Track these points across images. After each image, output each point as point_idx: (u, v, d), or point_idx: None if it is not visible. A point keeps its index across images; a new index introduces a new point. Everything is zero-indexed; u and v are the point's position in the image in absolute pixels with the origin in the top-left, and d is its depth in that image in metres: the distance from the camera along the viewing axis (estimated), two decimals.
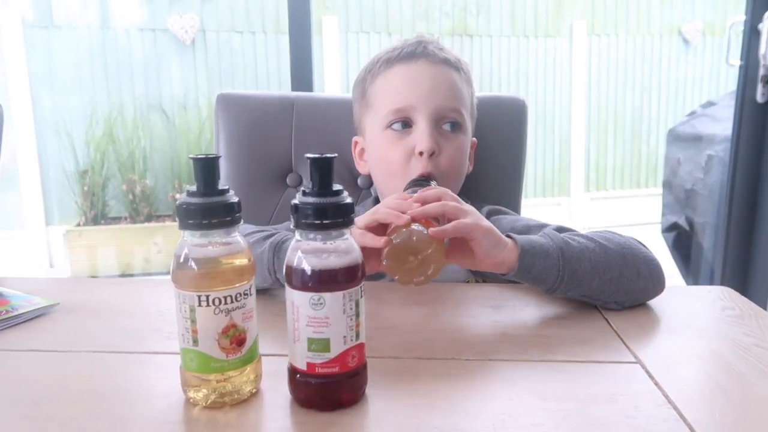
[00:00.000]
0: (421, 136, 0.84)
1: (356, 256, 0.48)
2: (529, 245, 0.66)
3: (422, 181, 0.81)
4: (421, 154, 0.84)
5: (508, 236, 0.67)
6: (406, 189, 0.78)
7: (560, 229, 0.76)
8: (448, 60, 0.89)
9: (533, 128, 4.35)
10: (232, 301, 0.47)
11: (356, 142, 0.96)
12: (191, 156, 0.47)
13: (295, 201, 0.47)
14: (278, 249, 0.69)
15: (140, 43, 3.63)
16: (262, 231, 0.75)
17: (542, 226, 0.81)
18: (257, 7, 3.76)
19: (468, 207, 0.66)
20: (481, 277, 0.86)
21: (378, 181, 0.93)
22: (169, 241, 3.41)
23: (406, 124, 0.87)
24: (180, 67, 3.68)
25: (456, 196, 0.68)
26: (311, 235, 0.47)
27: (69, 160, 3.50)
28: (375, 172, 0.93)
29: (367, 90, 0.92)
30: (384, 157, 0.89)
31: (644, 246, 0.73)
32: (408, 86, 0.87)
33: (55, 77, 3.53)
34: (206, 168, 0.47)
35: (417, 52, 0.88)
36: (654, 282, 0.70)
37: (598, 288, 0.67)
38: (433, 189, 0.69)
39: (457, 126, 0.88)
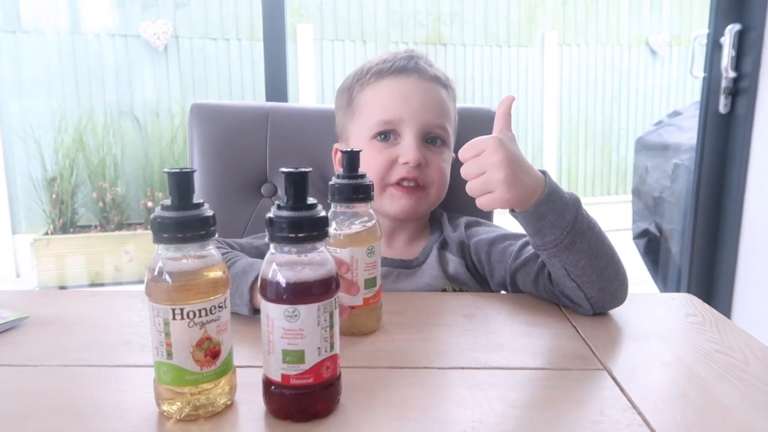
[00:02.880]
0: (407, 148, 0.86)
1: (330, 268, 0.49)
2: (553, 192, 0.68)
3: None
4: (406, 164, 0.86)
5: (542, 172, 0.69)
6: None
7: None
8: (438, 78, 0.91)
9: None
10: (206, 314, 0.48)
11: (337, 150, 0.97)
12: (166, 170, 0.47)
13: (270, 214, 0.48)
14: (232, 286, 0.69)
15: (111, 48, 3.58)
16: (223, 253, 0.75)
17: (518, 236, 0.83)
18: (231, 14, 3.74)
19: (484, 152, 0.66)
20: (458, 285, 0.87)
21: None
22: (141, 249, 3.36)
23: (392, 136, 0.88)
24: (152, 74, 3.64)
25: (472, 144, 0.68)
26: (286, 248, 0.48)
27: (37, 167, 3.43)
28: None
29: (354, 98, 0.93)
30: (366, 165, 0.90)
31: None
32: (398, 100, 0.88)
33: (23, 82, 3.46)
34: (181, 182, 0.47)
35: (409, 67, 0.89)
36: (623, 291, 0.73)
37: (588, 260, 0.69)
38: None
39: (442, 141, 0.90)
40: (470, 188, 0.67)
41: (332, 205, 0.66)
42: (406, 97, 0.88)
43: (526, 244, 0.80)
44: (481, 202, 0.67)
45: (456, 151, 0.96)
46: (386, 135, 0.88)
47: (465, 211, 0.99)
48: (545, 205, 0.67)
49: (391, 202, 0.88)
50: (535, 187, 0.67)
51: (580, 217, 0.69)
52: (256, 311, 0.67)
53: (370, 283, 0.66)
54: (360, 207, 0.66)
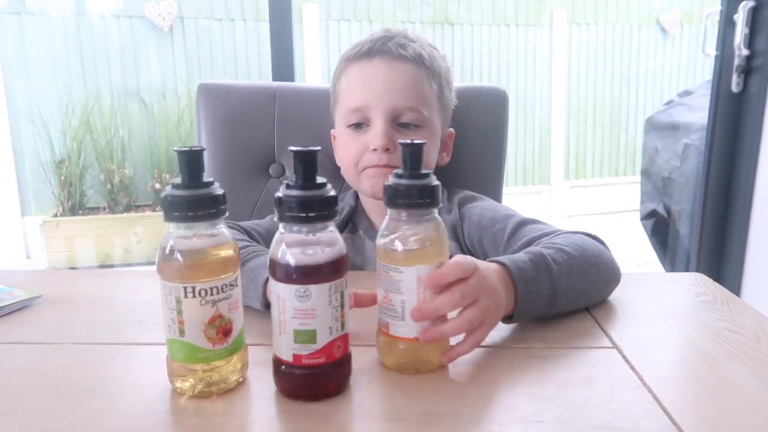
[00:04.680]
0: (375, 134, 0.85)
1: (341, 248, 0.48)
2: (524, 300, 0.60)
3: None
4: (375, 150, 0.85)
5: (501, 263, 0.60)
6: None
7: (528, 222, 0.78)
8: (406, 56, 0.87)
9: (513, 117, 4.37)
10: (218, 292, 0.48)
11: (335, 136, 0.97)
12: (175, 149, 0.47)
13: (279, 194, 0.47)
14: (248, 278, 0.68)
15: (117, 29, 3.56)
16: (243, 246, 0.73)
17: (508, 216, 0.82)
18: None
19: (472, 277, 0.54)
20: None
21: (343, 174, 0.95)
22: (149, 231, 3.38)
23: (364, 123, 0.88)
24: (158, 55, 3.63)
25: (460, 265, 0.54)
26: (295, 228, 0.48)
27: (45, 149, 3.44)
28: (341, 166, 0.94)
29: (335, 86, 0.93)
30: (343, 153, 0.91)
31: (603, 244, 0.72)
32: (362, 86, 0.87)
33: (29, 65, 3.45)
34: (191, 160, 0.47)
35: (374, 50, 0.87)
36: (615, 283, 0.71)
37: (576, 308, 0.67)
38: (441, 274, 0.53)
39: (415, 122, 0.87)
40: (469, 318, 0.54)
41: (389, 211, 0.53)
42: (370, 82, 0.87)
43: (517, 227, 0.79)
44: (474, 341, 0.55)
45: (456, 125, 0.95)
46: (358, 125, 0.88)
47: (469, 189, 0.98)
48: (523, 305, 0.60)
49: (366, 183, 0.88)
50: (508, 293, 0.59)
51: (556, 280, 0.62)
52: (267, 306, 0.65)
53: None
54: (424, 213, 0.52)
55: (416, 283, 0.51)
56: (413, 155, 0.52)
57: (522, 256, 0.63)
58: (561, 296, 0.63)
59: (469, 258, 0.55)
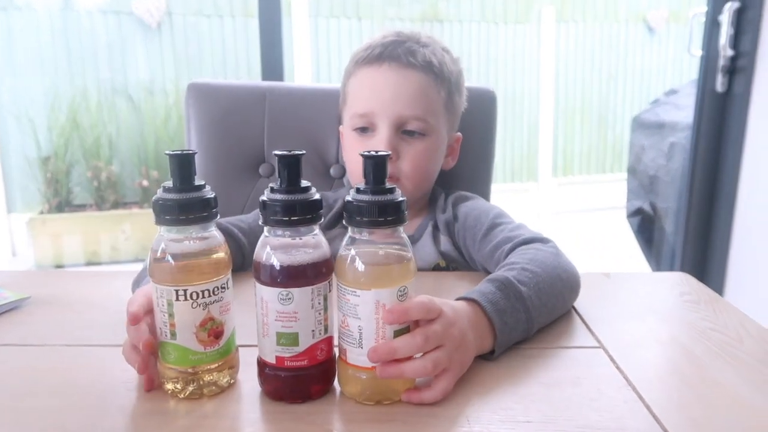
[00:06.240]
0: (379, 141, 0.86)
1: (324, 251, 0.49)
2: (502, 333, 0.58)
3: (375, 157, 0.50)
4: None
5: (470, 299, 0.58)
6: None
7: (497, 224, 0.79)
8: (414, 64, 0.87)
9: (502, 114, 4.36)
10: (209, 295, 0.48)
11: (342, 132, 0.97)
12: (167, 152, 0.47)
13: (264, 197, 0.48)
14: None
15: (104, 25, 3.53)
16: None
17: (487, 216, 0.83)
18: None
19: (438, 321, 0.51)
20: (449, 261, 0.88)
21: (348, 175, 0.95)
22: (137, 228, 3.36)
23: (370, 129, 0.88)
24: (146, 51, 3.59)
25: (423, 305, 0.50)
26: (279, 232, 0.48)
27: (31, 146, 3.40)
28: (346, 166, 0.95)
29: (345, 86, 0.94)
30: (347, 156, 0.93)
31: (562, 253, 0.71)
32: (370, 93, 0.88)
33: (15, 60, 3.41)
34: (182, 164, 0.47)
35: (384, 55, 0.87)
36: (578, 287, 0.70)
37: (549, 322, 0.66)
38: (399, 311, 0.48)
39: (420, 131, 0.88)
40: (435, 361, 0.49)
41: (349, 229, 0.49)
42: (378, 89, 0.87)
43: (489, 229, 0.80)
44: (442, 390, 0.50)
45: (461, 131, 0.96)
46: (364, 129, 0.88)
47: (459, 189, 0.99)
48: (503, 337, 0.58)
49: None
50: (482, 331, 0.57)
51: (528, 302, 0.60)
52: None
53: (401, 334, 0.49)
54: (387, 232, 0.49)
55: (374, 308, 0.47)
56: (376, 168, 0.48)
57: (489, 286, 0.60)
58: (536, 317, 0.61)
59: (436, 301, 0.51)
